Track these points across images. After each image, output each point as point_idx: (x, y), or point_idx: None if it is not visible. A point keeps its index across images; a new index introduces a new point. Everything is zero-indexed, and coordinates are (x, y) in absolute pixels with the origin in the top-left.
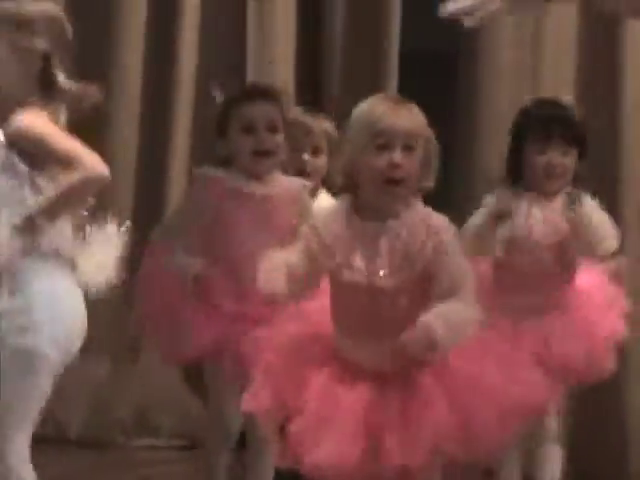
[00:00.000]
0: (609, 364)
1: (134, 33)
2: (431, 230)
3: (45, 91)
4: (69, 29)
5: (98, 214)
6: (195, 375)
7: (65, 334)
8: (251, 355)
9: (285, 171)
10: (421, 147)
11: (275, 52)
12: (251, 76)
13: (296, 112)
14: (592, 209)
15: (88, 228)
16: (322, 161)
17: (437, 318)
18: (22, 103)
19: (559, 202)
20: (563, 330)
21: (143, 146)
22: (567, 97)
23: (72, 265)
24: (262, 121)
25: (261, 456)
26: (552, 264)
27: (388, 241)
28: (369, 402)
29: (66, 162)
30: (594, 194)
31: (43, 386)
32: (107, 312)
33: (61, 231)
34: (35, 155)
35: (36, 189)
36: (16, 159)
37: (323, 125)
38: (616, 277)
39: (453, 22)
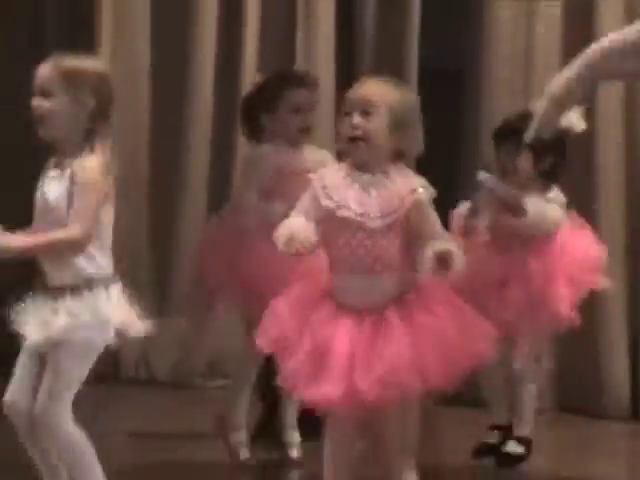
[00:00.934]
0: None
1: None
2: (410, 188)
3: (89, 143)
4: (113, 86)
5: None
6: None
7: (108, 330)
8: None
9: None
10: (385, 114)
11: (317, 51)
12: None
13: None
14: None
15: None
16: None
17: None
18: (82, 146)
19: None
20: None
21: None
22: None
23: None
24: (307, 104)
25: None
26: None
27: (376, 190)
28: (350, 340)
29: (71, 215)
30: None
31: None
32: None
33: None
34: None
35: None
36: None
37: None
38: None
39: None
